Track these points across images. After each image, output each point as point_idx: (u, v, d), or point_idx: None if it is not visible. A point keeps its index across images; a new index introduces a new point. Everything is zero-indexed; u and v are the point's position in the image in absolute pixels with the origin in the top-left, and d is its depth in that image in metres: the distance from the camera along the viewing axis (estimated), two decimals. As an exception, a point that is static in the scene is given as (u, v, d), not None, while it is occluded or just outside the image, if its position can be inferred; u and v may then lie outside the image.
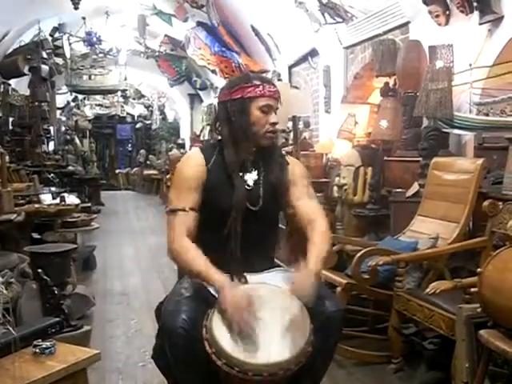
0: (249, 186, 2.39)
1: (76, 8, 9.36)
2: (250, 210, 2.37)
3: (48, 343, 2.37)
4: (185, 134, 18.36)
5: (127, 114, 20.32)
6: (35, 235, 5.51)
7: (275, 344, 2.03)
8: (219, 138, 2.47)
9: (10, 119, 9.96)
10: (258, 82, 2.37)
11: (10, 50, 9.81)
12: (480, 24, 4.10)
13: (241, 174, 2.39)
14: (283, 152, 2.62)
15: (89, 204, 9.45)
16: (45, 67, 10.02)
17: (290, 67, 8.71)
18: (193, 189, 2.34)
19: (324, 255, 2.32)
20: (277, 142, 2.54)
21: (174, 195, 2.38)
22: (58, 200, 6.34)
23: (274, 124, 2.38)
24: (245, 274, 2.35)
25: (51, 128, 12.37)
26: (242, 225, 2.34)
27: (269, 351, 2.00)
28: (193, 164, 2.40)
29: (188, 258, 2.25)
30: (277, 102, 2.41)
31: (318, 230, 2.36)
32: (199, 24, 10.23)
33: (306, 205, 2.44)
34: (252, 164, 2.43)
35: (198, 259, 2.22)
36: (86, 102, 18.78)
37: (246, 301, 2.09)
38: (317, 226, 2.37)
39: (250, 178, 2.41)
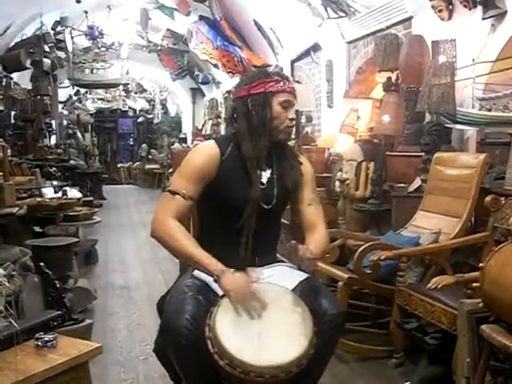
0: (263, 184, 2.40)
1: (78, 2, 9.38)
2: (262, 208, 2.37)
3: (50, 336, 2.37)
4: (187, 129, 18.38)
5: (129, 108, 20.31)
6: (37, 229, 5.51)
7: (278, 346, 2.03)
8: (233, 132, 2.46)
9: (12, 113, 9.95)
10: (278, 78, 2.39)
11: (12, 44, 9.80)
12: (483, 19, 4.08)
13: (256, 170, 2.39)
14: (295, 151, 2.61)
15: (91, 198, 9.45)
16: (47, 61, 10.01)
17: (293, 62, 8.69)
18: (197, 178, 2.34)
19: (323, 247, 2.41)
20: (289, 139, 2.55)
21: (177, 178, 2.38)
22: (59, 194, 6.36)
23: (293, 119, 2.41)
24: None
25: (53, 122, 12.35)
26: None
27: (271, 353, 2.00)
28: (205, 154, 2.39)
29: (176, 238, 2.24)
30: (295, 98, 2.43)
31: (317, 233, 2.45)
32: (202, 18, 10.21)
33: (312, 212, 2.49)
34: (266, 162, 2.43)
35: (187, 241, 2.24)
36: (88, 95, 18.77)
37: (247, 282, 2.12)
38: (316, 230, 2.46)
39: (264, 176, 2.42)
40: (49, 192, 6.54)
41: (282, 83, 2.38)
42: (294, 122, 2.44)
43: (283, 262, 2.54)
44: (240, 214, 2.34)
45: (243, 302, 2.10)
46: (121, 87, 17.42)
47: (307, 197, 2.49)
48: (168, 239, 2.28)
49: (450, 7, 4.42)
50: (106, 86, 15.74)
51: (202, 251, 2.22)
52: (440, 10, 4.47)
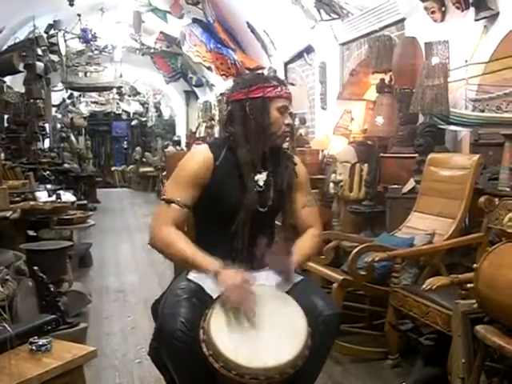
0: (260, 187, 2.39)
1: (71, 5, 9.35)
2: (258, 211, 2.37)
3: (44, 340, 2.36)
4: (181, 131, 18.35)
5: (123, 111, 20.27)
6: (31, 232, 5.49)
7: (273, 347, 2.02)
8: (227, 135, 2.44)
9: (5, 116, 9.93)
10: (276, 83, 2.39)
11: (5, 47, 9.77)
12: (476, 20, 4.10)
13: (252, 174, 2.38)
14: (290, 152, 2.60)
15: (85, 201, 9.44)
16: (40, 64, 9.98)
17: (286, 64, 8.69)
18: (191, 185, 2.33)
19: (305, 258, 2.47)
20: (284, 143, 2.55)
21: (171, 186, 2.37)
22: (53, 197, 6.34)
23: (289, 125, 2.41)
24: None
25: (47, 125, 12.31)
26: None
27: (266, 355, 1.99)
28: (198, 160, 2.38)
29: (175, 245, 2.25)
30: (291, 103, 2.43)
31: (309, 234, 2.50)
32: (195, 21, 10.21)
33: (308, 214, 2.52)
34: (261, 165, 2.41)
35: (185, 246, 2.24)
36: (82, 99, 18.72)
37: (244, 279, 2.12)
38: (310, 231, 2.51)
39: (261, 179, 2.40)
40: (42, 196, 6.52)
41: (279, 88, 2.37)
42: (291, 127, 2.44)
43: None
44: (234, 218, 2.34)
45: (239, 297, 2.09)
46: (114, 90, 17.38)
47: (302, 198, 2.50)
48: (165, 247, 2.28)
49: (443, 9, 4.44)
50: (100, 89, 15.68)
51: (198, 252, 2.22)
52: (433, 12, 4.48)
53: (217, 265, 2.17)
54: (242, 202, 2.34)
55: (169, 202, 2.32)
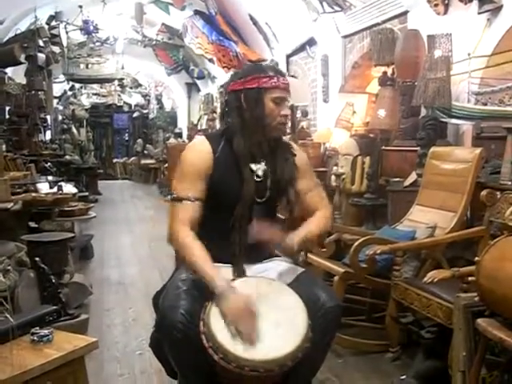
0: (259, 177, 2.38)
1: (73, -4, 9.34)
2: (256, 202, 2.36)
3: (46, 331, 2.36)
4: (182, 124, 18.34)
5: (124, 103, 20.25)
6: (32, 224, 5.49)
7: (272, 340, 2.03)
8: (225, 126, 2.44)
9: (7, 108, 9.91)
10: (272, 73, 2.36)
11: (6, 39, 9.75)
12: (479, 13, 4.09)
13: (250, 165, 2.37)
14: (289, 142, 2.59)
15: (86, 193, 9.44)
16: (41, 56, 9.95)
17: (288, 56, 8.68)
18: (199, 177, 2.32)
19: (311, 235, 2.44)
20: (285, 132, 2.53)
21: (180, 183, 2.35)
22: (55, 189, 6.33)
23: (286, 116, 2.38)
24: (244, 265, 2.35)
25: (48, 117, 12.31)
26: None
27: (266, 347, 2.00)
28: (199, 152, 2.37)
29: (189, 252, 2.23)
30: (289, 94, 2.40)
31: (317, 216, 2.47)
32: (197, 13, 10.19)
33: (314, 198, 2.50)
34: (259, 155, 2.40)
35: (199, 256, 2.21)
36: (83, 90, 18.70)
37: (247, 307, 2.08)
38: (318, 213, 2.47)
39: (259, 169, 2.39)
40: (44, 187, 6.51)
41: (275, 79, 2.34)
42: (288, 118, 2.41)
43: (279, 256, 2.53)
44: (234, 209, 2.33)
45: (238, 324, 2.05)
46: (116, 82, 17.36)
47: (304, 185, 2.48)
48: (179, 249, 2.30)
49: (446, 1, 4.43)
50: (101, 81, 15.70)
51: (209, 262, 2.19)
52: (436, 5, 4.47)
53: (224, 281, 2.13)
54: (240, 192, 2.33)
55: (181, 199, 2.31)
